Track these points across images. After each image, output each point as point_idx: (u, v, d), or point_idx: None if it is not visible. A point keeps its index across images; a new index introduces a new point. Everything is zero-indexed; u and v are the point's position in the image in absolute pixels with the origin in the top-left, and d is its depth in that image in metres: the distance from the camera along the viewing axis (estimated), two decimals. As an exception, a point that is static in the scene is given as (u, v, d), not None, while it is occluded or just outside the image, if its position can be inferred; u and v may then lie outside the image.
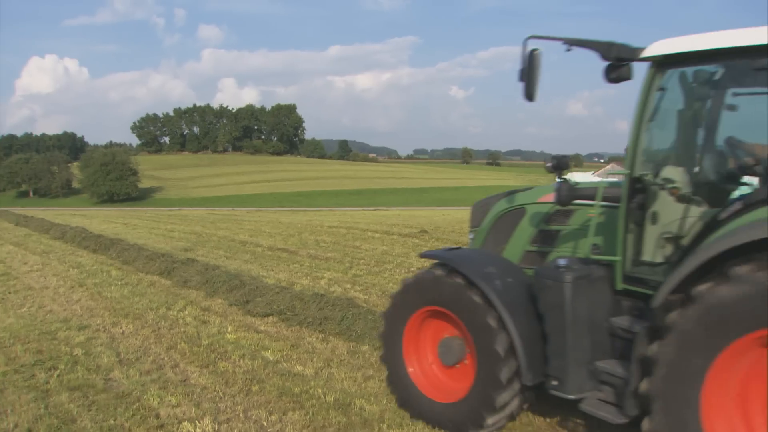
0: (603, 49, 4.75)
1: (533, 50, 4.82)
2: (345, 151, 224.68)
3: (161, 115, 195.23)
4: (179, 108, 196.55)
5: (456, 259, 5.49)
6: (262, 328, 9.36)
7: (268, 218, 38.31)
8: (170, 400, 6.44)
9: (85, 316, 10.15)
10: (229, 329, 9.22)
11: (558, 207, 5.67)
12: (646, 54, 4.72)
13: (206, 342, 8.58)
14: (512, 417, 5.49)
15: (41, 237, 23.42)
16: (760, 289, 3.64)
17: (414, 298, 5.77)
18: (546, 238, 5.97)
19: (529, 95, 4.88)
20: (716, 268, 3.92)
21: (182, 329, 9.28)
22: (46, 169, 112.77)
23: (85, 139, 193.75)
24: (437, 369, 5.85)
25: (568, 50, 4.94)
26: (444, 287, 5.44)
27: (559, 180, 5.34)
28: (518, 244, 6.17)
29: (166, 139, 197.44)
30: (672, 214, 4.77)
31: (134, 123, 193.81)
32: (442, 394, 5.64)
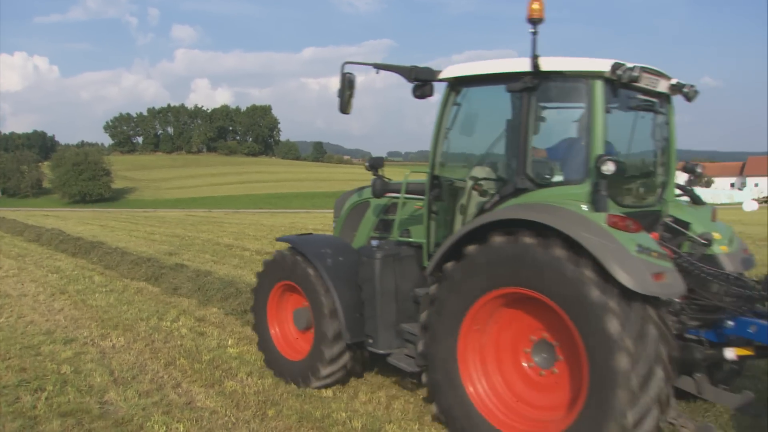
0: (405, 72, 5.99)
1: (347, 73, 5.93)
2: (320, 153, 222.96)
3: (135, 115, 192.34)
4: (153, 108, 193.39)
5: (300, 242, 6.84)
6: (267, 341, 8.61)
7: (249, 220, 37.43)
8: (177, 428, 5.70)
9: (70, 327, 9.32)
10: (229, 342, 8.51)
11: (394, 200, 6.93)
12: (441, 76, 5.90)
13: (207, 357, 7.84)
14: (346, 369, 6.62)
15: (14, 239, 22.35)
16: (501, 255, 4.84)
17: (272, 275, 7.11)
18: (384, 225, 7.14)
19: (343, 110, 6.01)
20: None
21: (179, 342, 8.52)
22: (15, 169, 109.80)
23: (56, 139, 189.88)
24: (294, 333, 7.15)
25: (377, 73, 6.21)
26: (291, 265, 6.75)
27: (374, 177, 6.57)
28: (365, 231, 7.37)
29: (140, 140, 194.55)
30: (472, 206, 5.88)
31: (107, 122, 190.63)
32: (296, 354, 6.95)
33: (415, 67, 5.92)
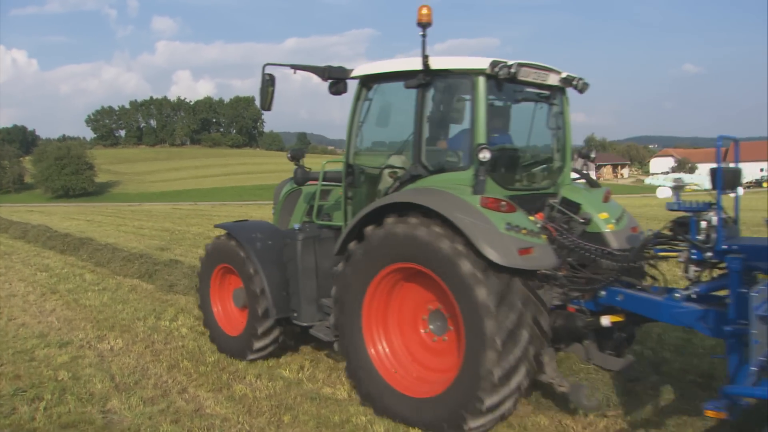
0: (320, 72, 6.58)
1: (268, 74, 6.46)
2: (304, 143, 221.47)
3: (117, 108, 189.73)
4: (135, 100, 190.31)
5: (233, 228, 7.46)
6: (272, 339, 8.24)
7: (237, 213, 36.85)
8: (188, 438, 5.35)
9: (64, 329, 8.90)
10: (233, 342, 8.11)
11: (323, 187, 7.40)
12: (353, 74, 6.50)
13: (212, 359, 7.48)
14: (277, 342, 7.24)
15: (-1, 237, 21.75)
16: (392, 234, 5.42)
17: (212, 258, 7.72)
18: (313, 211, 7.50)
19: (263, 106, 6.56)
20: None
21: (180, 343, 8.15)
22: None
23: (37, 133, 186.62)
24: (234, 311, 7.71)
25: (294, 73, 6.82)
26: (227, 249, 7.38)
27: (296, 167, 7.30)
28: (298, 216, 7.85)
29: (123, 133, 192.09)
30: (381, 191, 6.39)
31: (89, 116, 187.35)
32: (235, 330, 7.51)
33: (329, 66, 6.57)
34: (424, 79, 5.78)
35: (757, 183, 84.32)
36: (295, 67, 6.74)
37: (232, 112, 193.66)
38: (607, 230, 6.05)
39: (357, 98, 6.47)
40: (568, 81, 6.38)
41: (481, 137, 5.54)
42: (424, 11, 5.52)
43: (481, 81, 5.60)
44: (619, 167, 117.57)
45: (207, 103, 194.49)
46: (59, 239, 18.48)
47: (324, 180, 7.29)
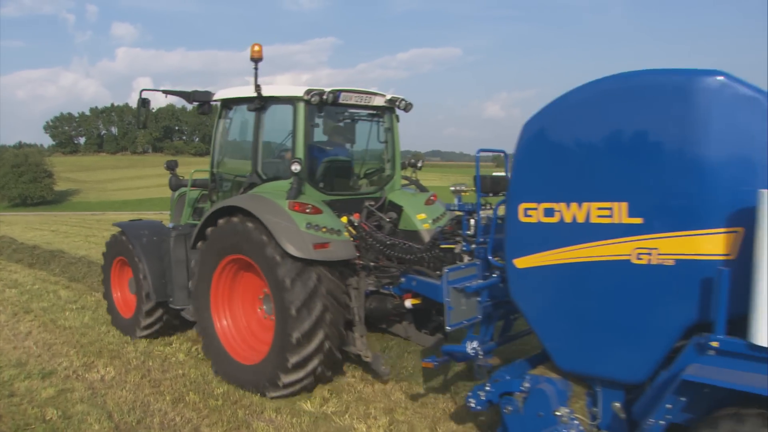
0: (186, 96, 8.03)
1: (144, 98, 7.82)
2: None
3: (77, 115, 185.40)
4: (96, 107, 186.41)
5: (126, 226, 8.78)
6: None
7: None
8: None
9: (44, 355, 7.92)
10: (240, 369, 7.27)
11: (203, 191, 8.45)
12: (214, 98, 7.87)
13: (220, 390, 6.64)
14: (161, 321, 8.42)
15: (-42, 249, 20.29)
16: (223, 232, 6.75)
17: (110, 252, 9.05)
18: (197, 212, 8.48)
19: (138, 125, 8.17)
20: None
21: (180, 371, 7.27)
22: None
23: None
24: (129, 298, 8.89)
25: (166, 98, 8.47)
26: (121, 244, 8.71)
27: (171, 175, 8.53)
28: (186, 216, 8.63)
29: (82, 140, 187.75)
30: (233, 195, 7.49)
31: (48, 122, 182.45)
32: (130, 313, 8.72)
33: (195, 91, 8.00)
34: (259, 104, 7.04)
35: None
36: (167, 92, 8.35)
37: (195, 120, 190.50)
38: (422, 228, 7.26)
39: (218, 117, 7.86)
40: (392, 102, 7.61)
41: (299, 152, 6.80)
42: (256, 48, 6.82)
43: (301, 106, 6.85)
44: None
45: (169, 111, 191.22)
46: (26, 251, 17.26)
47: (192, 186, 8.47)
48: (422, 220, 7.33)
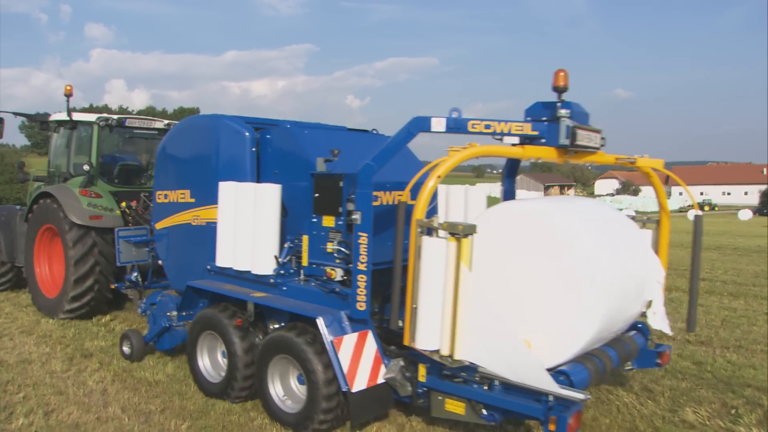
0: (31, 117, 11.53)
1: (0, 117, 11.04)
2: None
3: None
4: (74, 107, 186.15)
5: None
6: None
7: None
8: None
9: None
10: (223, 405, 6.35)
11: (41, 183, 11.18)
12: (50, 119, 11.06)
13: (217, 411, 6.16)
14: (11, 273, 11.76)
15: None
16: (42, 210, 10.09)
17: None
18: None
19: None
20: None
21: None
22: None
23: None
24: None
25: (15, 117, 11.77)
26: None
27: (20, 172, 12.29)
28: (29, 201, 10.96)
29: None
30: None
31: (23, 122, 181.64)
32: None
33: (37, 113, 11.42)
34: (71, 125, 10.37)
35: (700, 206, 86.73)
36: (16, 114, 11.71)
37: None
38: None
39: (52, 132, 11.05)
40: (169, 125, 10.66)
41: (93, 158, 10.11)
42: (68, 87, 10.02)
43: (96, 128, 10.18)
44: (566, 188, 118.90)
45: (149, 113, 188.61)
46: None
47: (34, 180, 11.52)
48: None
